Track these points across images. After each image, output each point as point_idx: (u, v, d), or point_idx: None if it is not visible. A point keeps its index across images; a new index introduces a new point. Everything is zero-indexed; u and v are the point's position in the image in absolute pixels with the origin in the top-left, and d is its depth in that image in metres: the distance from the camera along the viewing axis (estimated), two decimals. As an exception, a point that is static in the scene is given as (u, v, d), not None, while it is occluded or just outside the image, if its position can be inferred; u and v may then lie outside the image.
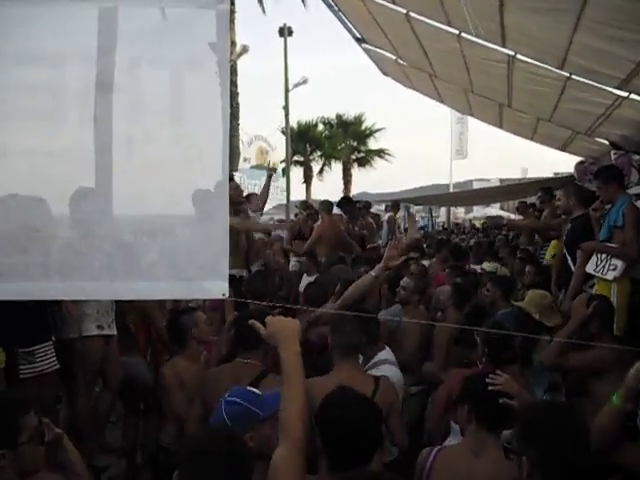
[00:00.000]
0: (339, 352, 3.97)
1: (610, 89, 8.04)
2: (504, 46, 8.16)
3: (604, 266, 5.80)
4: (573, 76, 8.16)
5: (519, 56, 8.35)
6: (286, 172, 26.37)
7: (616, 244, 5.84)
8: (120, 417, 6.00)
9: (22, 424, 2.71)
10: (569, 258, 6.54)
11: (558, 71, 8.15)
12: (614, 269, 5.73)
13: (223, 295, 3.26)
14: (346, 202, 11.26)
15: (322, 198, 11.47)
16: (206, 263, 3.16)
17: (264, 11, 26.71)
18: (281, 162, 28.40)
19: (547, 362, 4.13)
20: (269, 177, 9.31)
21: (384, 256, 4.57)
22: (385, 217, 15.20)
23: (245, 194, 9.48)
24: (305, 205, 12.77)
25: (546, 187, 11.03)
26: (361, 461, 2.59)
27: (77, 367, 5.29)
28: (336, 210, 10.80)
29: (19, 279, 3.34)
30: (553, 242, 8.51)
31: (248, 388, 3.30)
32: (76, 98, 3.43)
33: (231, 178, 8.12)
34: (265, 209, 9.13)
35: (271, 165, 10.47)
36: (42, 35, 3.47)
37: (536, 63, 8.33)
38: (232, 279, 5.22)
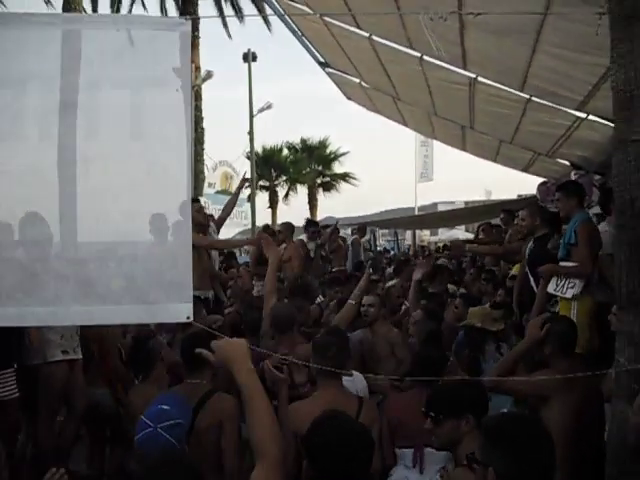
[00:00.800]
0: (323, 374, 3.97)
1: (569, 110, 8.19)
2: (465, 68, 8.26)
3: (563, 285, 5.83)
4: (533, 98, 8.29)
5: (480, 78, 8.46)
6: (251, 197, 26.38)
7: (574, 261, 5.86)
8: (86, 445, 5.87)
9: None
10: (531, 278, 6.59)
11: (519, 93, 8.28)
12: (572, 287, 5.76)
13: (187, 318, 3.20)
14: (311, 224, 11.30)
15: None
16: (170, 285, 3.11)
17: (229, 35, 26.83)
18: (246, 187, 28.42)
19: (487, 383, 4.12)
20: (240, 187, 9.36)
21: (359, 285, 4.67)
22: (350, 240, 15.22)
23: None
24: (267, 229, 12.74)
25: (507, 209, 11.18)
26: None
27: (41, 394, 5.20)
28: (302, 236, 10.85)
29: None
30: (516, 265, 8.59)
31: (159, 407, 3.31)
32: (37, 118, 3.41)
33: (196, 199, 8.07)
34: (231, 235, 9.06)
35: (245, 176, 10.33)
36: (6, 56, 3.45)
37: (497, 85, 8.45)
38: (197, 300, 5.20)
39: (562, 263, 5.99)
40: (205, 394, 4.05)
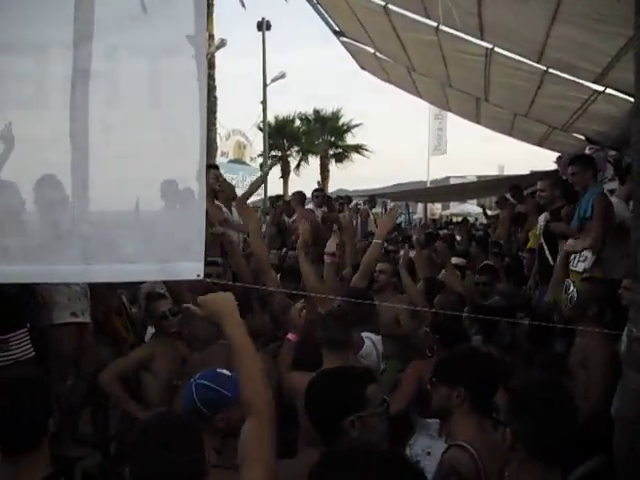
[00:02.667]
0: (328, 346, 4.00)
1: (587, 83, 8.08)
2: (482, 39, 8.16)
3: (574, 257, 5.81)
4: (550, 70, 8.18)
5: (497, 49, 8.35)
6: (263, 167, 26.34)
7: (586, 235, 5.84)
8: (94, 408, 5.93)
9: None
10: (547, 250, 6.56)
11: (535, 65, 8.17)
12: (584, 260, 5.76)
13: (198, 276, 3.25)
14: (319, 193, 11.28)
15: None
16: (182, 245, 3.14)
17: (243, 5, 26.54)
18: (258, 156, 28.40)
19: None
20: (271, 167, 9.38)
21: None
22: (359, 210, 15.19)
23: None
24: (277, 199, 12.74)
25: (516, 184, 11.15)
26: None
27: (50, 356, 5.24)
28: (310, 206, 10.84)
29: None
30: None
31: (218, 370, 3.29)
32: (56, 85, 3.44)
33: (215, 166, 8.01)
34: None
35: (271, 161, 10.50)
36: (23, 23, 3.45)
37: (513, 56, 8.34)
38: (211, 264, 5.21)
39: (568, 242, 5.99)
40: None
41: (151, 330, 5.31)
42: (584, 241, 5.63)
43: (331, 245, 4.93)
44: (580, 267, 5.77)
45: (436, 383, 3.29)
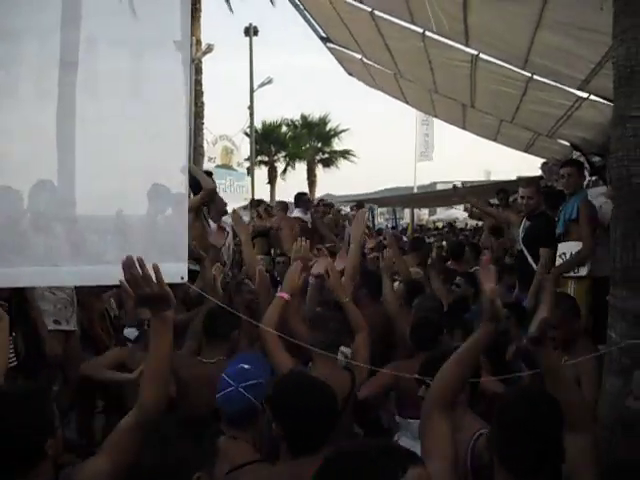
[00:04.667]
0: (319, 349, 3.97)
1: (571, 90, 8.15)
2: (467, 45, 8.21)
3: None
4: (535, 76, 8.24)
5: (482, 55, 8.41)
6: (251, 172, 26.31)
7: (572, 239, 6.00)
8: (78, 415, 5.90)
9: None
10: (529, 256, 6.60)
11: (520, 71, 8.23)
12: (583, 264, 5.89)
13: (182, 279, 3.18)
14: (300, 197, 11.30)
15: (286, 198, 11.55)
16: (164, 246, 3.06)
17: (231, 9, 26.53)
18: (245, 160, 28.39)
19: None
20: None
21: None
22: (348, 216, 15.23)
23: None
24: (257, 203, 12.74)
25: (503, 189, 11.20)
26: (321, 444, 2.60)
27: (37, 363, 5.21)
28: (296, 211, 10.86)
29: None
30: None
31: (245, 366, 3.32)
32: (34, 74, 3.36)
33: (209, 173, 7.99)
34: (230, 209, 8.93)
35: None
36: (3, 9, 3.39)
37: (499, 63, 8.39)
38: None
39: (561, 244, 6.06)
40: None
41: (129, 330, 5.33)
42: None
43: (318, 267, 4.89)
44: (583, 271, 5.88)
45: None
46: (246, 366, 3.30)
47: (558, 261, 6.09)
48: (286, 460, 2.68)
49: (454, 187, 7.81)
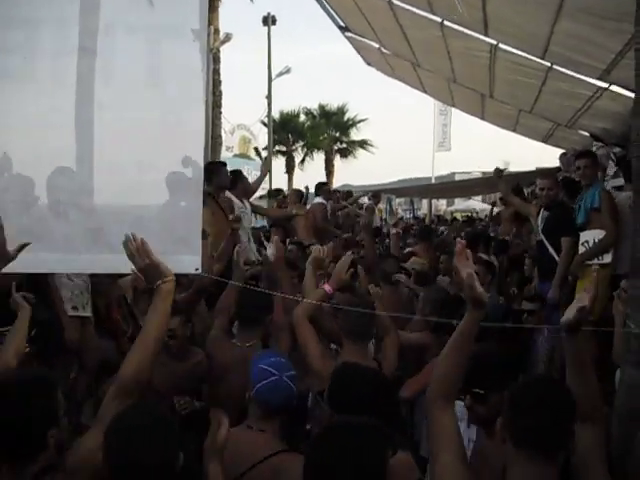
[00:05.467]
0: (347, 337, 4.00)
1: (591, 80, 8.07)
2: (486, 35, 8.14)
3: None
4: (554, 66, 8.17)
5: (501, 45, 8.34)
6: (268, 162, 26.27)
7: (594, 227, 6.00)
8: (96, 401, 5.94)
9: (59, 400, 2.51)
10: (549, 247, 6.56)
11: (540, 61, 8.16)
12: (607, 251, 5.92)
13: (196, 270, 3.18)
14: (321, 187, 11.33)
15: (304, 188, 11.55)
16: (179, 238, 3.07)
17: (251, -1, 26.46)
18: (263, 149, 28.35)
19: None
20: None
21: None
22: (364, 206, 15.20)
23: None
24: (276, 193, 12.79)
25: (518, 188, 11.11)
26: None
27: (54, 348, 5.23)
28: (317, 199, 10.88)
29: None
30: None
31: (281, 358, 3.34)
32: (52, 61, 3.37)
33: (223, 164, 8.00)
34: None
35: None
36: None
37: (518, 52, 8.33)
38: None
39: (583, 233, 6.04)
40: None
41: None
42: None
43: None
44: (607, 258, 5.89)
45: (485, 395, 3.24)
46: (282, 359, 3.31)
47: (581, 249, 6.11)
48: None
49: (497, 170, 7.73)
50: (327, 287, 4.10)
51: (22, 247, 3.13)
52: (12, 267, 3.31)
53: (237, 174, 8.31)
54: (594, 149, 10.35)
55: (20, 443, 2.27)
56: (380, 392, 2.75)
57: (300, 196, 10.89)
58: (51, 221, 3.30)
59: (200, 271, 3.21)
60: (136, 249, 2.60)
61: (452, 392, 2.42)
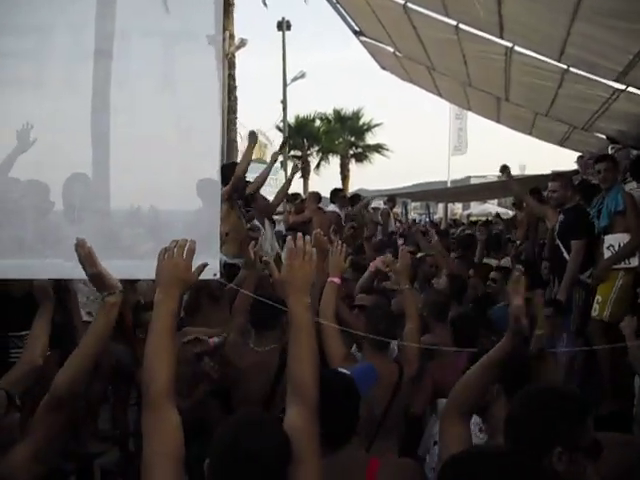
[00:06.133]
0: (371, 343, 3.98)
1: (608, 82, 8.01)
2: (502, 38, 8.11)
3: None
4: (571, 68, 8.12)
5: (517, 48, 8.31)
6: (284, 167, 26.34)
7: (618, 231, 5.97)
8: (112, 404, 5.96)
9: None
10: (563, 250, 6.52)
11: (556, 63, 8.11)
12: (634, 255, 5.90)
13: (214, 275, 3.17)
14: (336, 194, 11.31)
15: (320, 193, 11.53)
16: (197, 242, 3.04)
17: (265, 3, 26.51)
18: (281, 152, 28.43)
19: None
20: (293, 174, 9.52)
21: None
22: (380, 210, 15.17)
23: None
24: (294, 197, 12.74)
25: (536, 190, 11.03)
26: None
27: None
28: (331, 207, 10.87)
29: None
30: None
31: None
32: (65, 65, 3.38)
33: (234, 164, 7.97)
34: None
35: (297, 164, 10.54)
36: (35, 3, 3.42)
37: (534, 55, 8.29)
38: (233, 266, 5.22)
39: (607, 237, 6.02)
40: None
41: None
42: None
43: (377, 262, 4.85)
44: (635, 261, 5.87)
45: None
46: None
47: (606, 253, 6.06)
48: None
49: (504, 167, 7.64)
50: (334, 279, 4.07)
51: None
52: (27, 273, 3.33)
53: (251, 196, 7.89)
54: (611, 151, 10.28)
55: None
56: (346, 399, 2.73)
57: (318, 199, 10.85)
58: (65, 227, 3.31)
59: (219, 277, 3.19)
60: (84, 256, 2.59)
61: (470, 410, 2.45)
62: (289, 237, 2.42)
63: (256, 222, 7.64)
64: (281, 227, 11.94)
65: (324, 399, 2.50)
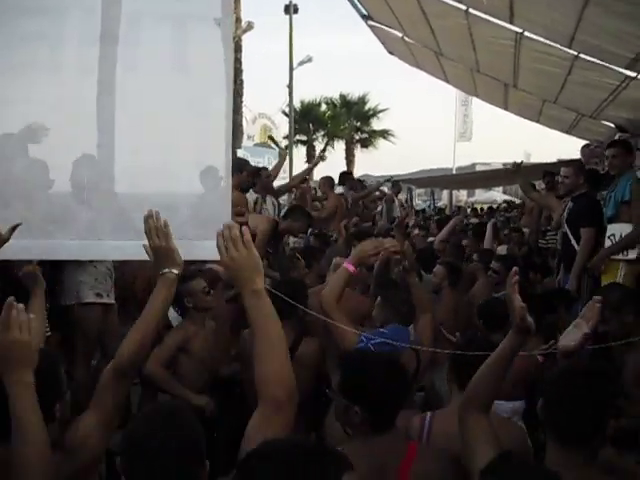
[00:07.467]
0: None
1: (619, 69, 7.95)
2: (512, 23, 8.06)
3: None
4: (581, 55, 8.07)
5: (527, 33, 8.25)
6: (289, 151, 26.28)
7: (623, 221, 5.84)
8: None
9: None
10: (572, 238, 6.47)
11: (566, 49, 8.06)
12: (633, 247, 5.76)
13: None
14: (346, 176, 11.27)
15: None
16: (208, 223, 3.00)
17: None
18: (284, 138, 28.35)
19: None
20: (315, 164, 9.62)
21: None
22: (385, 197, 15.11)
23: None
24: (303, 182, 12.67)
25: (550, 171, 10.94)
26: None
27: (76, 335, 5.25)
28: (339, 189, 10.81)
29: None
30: None
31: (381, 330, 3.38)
32: (76, 49, 3.37)
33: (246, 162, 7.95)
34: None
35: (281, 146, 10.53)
36: None
37: (544, 41, 8.24)
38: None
39: (610, 225, 5.94)
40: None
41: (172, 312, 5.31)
42: None
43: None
44: (632, 254, 5.74)
45: None
46: (384, 330, 3.39)
47: (607, 243, 5.94)
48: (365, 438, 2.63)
49: (515, 164, 7.58)
50: (349, 266, 3.86)
51: (14, 228, 3.15)
52: (35, 254, 3.33)
53: (254, 174, 7.82)
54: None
55: None
56: (394, 379, 2.71)
57: (332, 183, 10.75)
58: (74, 208, 3.30)
59: None
60: (155, 227, 2.55)
61: (487, 405, 2.46)
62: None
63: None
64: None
65: (368, 381, 2.56)
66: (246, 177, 6.97)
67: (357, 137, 40.51)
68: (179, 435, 1.97)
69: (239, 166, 6.83)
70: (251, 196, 7.51)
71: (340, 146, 40.32)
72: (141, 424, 2.06)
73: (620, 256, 5.78)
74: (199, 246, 3.08)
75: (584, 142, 12.83)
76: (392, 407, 2.64)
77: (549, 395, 2.33)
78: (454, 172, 34.21)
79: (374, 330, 3.41)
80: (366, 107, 40.51)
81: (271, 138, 14.03)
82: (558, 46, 8.12)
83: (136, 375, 2.51)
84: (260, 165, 17.86)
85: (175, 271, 2.58)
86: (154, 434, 1.96)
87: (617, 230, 5.88)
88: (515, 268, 2.46)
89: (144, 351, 2.57)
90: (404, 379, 2.79)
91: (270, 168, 9.55)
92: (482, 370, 2.45)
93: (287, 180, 20.86)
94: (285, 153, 9.63)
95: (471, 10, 8.30)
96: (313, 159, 38.78)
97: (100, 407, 2.45)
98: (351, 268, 3.84)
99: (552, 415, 2.28)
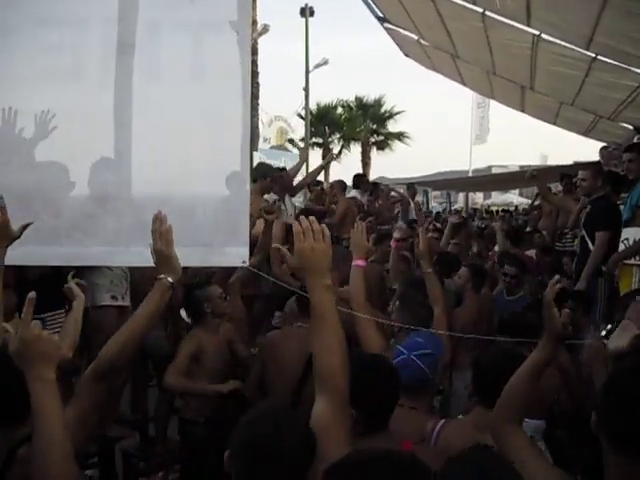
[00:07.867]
0: (404, 329, 3.88)
1: (637, 70, 7.90)
2: (529, 25, 8.02)
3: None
4: (599, 57, 8.02)
5: (544, 36, 8.21)
6: (305, 151, 26.33)
7: (637, 225, 5.76)
8: (133, 389, 5.97)
9: None
10: (589, 241, 6.42)
11: (584, 51, 8.02)
12: None
13: (243, 262, 3.15)
14: (360, 179, 11.23)
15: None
16: (227, 230, 3.02)
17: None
18: (300, 140, 28.39)
19: None
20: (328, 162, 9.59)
21: None
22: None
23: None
24: (315, 183, 12.63)
25: (567, 174, 10.86)
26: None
27: (92, 337, 5.27)
28: (354, 192, 10.79)
29: (30, 243, 3.17)
30: None
31: (417, 339, 3.35)
32: (97, 59, 3.40)
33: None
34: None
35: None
36: None
37: (561, 43, 8.20)
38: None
39: (625, 229, 5.87)
40: None
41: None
42: None
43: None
44: None
45: None
46: (419, 339, 3.36)
47: (621, 247, 5.87)
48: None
49: (530, 175, 7.55)
50: (359, 262, 3.90)
51: (26, 226, 3.17)
52: (61, 260, 3.37)
53: (274, 176, 7.72)
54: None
55: (9, 406, 2.28)
56: (387, 381, 2.73)
57: (344, 186, 10.76)
58: (100, 215, 3.33)
59: (247, 264, 3.16)
60: (158, 232, 2.56)
61: (520, 417, 2.38)
62: (294, 221, 2.24)
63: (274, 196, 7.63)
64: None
65: (363, 383, 2.49)
66: (269, 183, 6.99)
67: (373, 140, 40.42)
68: (297, 436, 1.98)
69: (263, 172, 6.87)
70: (270, 197, 7.49)
71: (356, 149, 40.26)
72: (257, 426, 2.00)
73: (633, 261, 5.72)
74: (221, 252, 3.10)
75: (601, 144, 12.77)
76: (385, 409, 2.68)
77: (609, 404, 2.07)
78: (470, 174, 34.04)
79: (409, 340, 3.37)
80: (382, 109, 40.44)
81: (291, 141, 14.05)
82: (575, 48, 8.09)
83: (119, 376, 2.46)
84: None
85: (170, 279, 2.55)
86: (275, 436, 1.95)
87: (631, 234, 5.81)
88: (557, 276, 2.40)
89: (126, 355, 2.51)
90: (396, 381, 2.81)
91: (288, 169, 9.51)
92: (514, 382, 2.35)
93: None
94: (306, 154, 9.61)
95: (487, 13, 8.28)
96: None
97: (77, 405, 2.41)
98: (362, 263, 3.90)
99: (613, 425, 2.00)
